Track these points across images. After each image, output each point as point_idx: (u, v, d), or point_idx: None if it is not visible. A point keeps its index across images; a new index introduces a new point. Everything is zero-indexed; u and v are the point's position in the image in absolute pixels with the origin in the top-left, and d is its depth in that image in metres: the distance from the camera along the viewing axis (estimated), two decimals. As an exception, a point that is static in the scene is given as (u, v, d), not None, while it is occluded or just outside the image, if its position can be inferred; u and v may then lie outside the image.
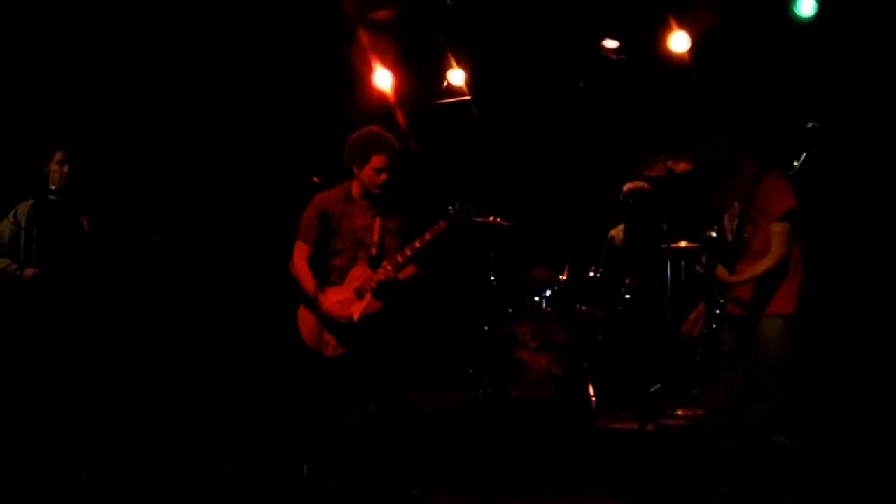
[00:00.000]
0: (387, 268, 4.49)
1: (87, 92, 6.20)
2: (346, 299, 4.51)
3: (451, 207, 4.57)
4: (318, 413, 4.49)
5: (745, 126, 4.16)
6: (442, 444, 5.56)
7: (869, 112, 5.92)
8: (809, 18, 5.77)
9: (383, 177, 4.54)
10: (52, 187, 4.85)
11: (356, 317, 4.47)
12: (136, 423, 5.56)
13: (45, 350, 4.72)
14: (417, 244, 4.50)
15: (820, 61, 5.99)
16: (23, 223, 4.82)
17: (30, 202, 4.87)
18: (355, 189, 4.63)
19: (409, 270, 4.57)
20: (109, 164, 5.75)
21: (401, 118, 6.91)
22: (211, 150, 6.79)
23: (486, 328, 6.66)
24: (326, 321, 4.50)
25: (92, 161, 5.04)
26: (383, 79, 6.94)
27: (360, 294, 4.52)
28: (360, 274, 4.54)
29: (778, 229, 3.91)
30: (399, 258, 4.51)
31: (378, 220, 4.61)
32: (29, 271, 4.74)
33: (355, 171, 4.59)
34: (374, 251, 4.56)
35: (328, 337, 4.51)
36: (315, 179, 4.60)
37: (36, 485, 4.60)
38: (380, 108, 6.84)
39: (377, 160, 4.52)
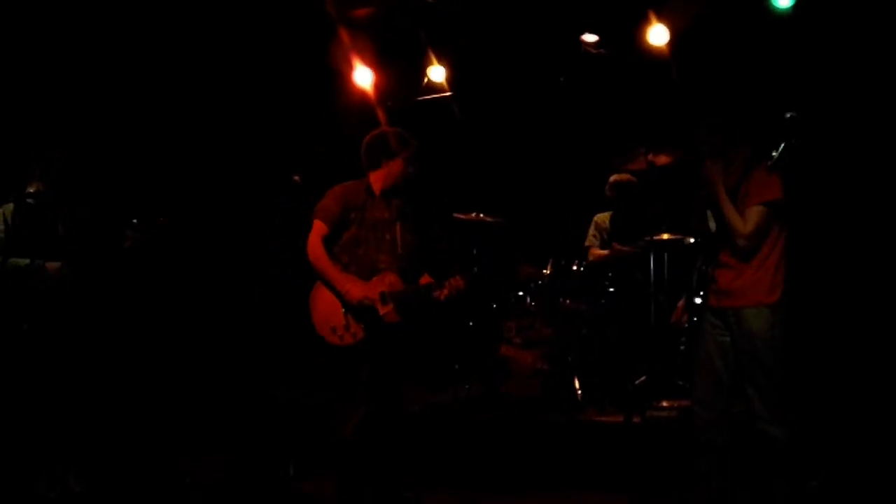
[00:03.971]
0: (419, 288, 4.60)
1: (75, 94, 6.19)
2: (370, 297, 4.53)
3: (483, 270, 4.66)
4: (315, 411, 4.50)
5: (738, 116, 4.17)
6: (430, 442, 5.55)
7: (847, 103, 5.95)
8: (787, 10, 5.80)
9: (411, 170, 4.69)
10: (31, 190, 4.82)
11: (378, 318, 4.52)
12: (122, 425, 5.54)
13: (30, 352, 4.69)
14: (454, 287, 4.64)
15: (798, 53, 6.01)
16: (10, 223, 4.80)
17: (11, 204, 4.84)
18: (376, 186, 4.71)
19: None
20: (95, 167, 5.72)
21: (382, 116, 6.90)
22: (196, 152, 6.76)
23: (470, 324, 6.66)
24: (347, 305, 4.50)
25: (77, 165, 5.01)
26: (364, 76, 6.94)
27: (384, 300, 4.54)
28: (391, 281, 4.59)
29: (754, 210, 3.92)
30: (435, 286, 4.63)
31: (399, 224, 4.69)
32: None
33: (383, 165, 4.69)
34: (402, 263, 4.65)
35: (339, 322, 4.51)
36: (296, 178, 4.60)
37: (24, 490, 4.57)
38: (361, 106, 6.84)
39: (406, 153, 4.68)
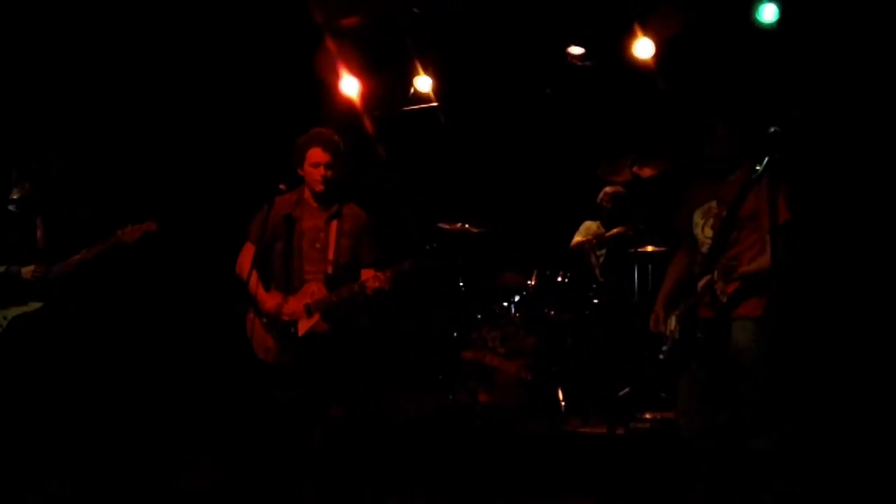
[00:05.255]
0: (342, 293, 4.46)
1: (71, 100, 6.19)
2: (295, 311, 4.49)
3: (424, 252, 4.51)
4: (280, 424, 4.49)
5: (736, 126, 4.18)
6: (413, 451, 5.55)
7: (833, 115, 6.00)
8: (772, 24, 5.84)
9: (320, 171, 4.51)
10: (14, 197, 4.81)
11: (301, 332, 4.46)
12: (113, 428, 5.53)
13: (15, 361, 4.68)
14: (372, 284, 4.41)
15: (784, 66, 6.06)
16: None
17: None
18: (307, 192, 4.63)
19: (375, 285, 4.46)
20: (79, 176, 5.73)
21: (368, 125, 6.92)
22: (186, 159, 6.75)
23: (455, 334, 6.66)
24: (270, 324, 4.48)
25: (63, 182, 5.00)
26: (350, 86, 6.94)
27: (309, 311, 4.49)
28: (314, 290, 4.51)
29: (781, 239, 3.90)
30: (356, 288, 4.45)
31: (334, 224, 4.59)
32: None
33: (300, 173, 4.59)
34: (329, 269, 4.53)
35: (268, 342, 4.49)
36: (282, 186, 4.59)
37: (11, 497, 4.55)
38: (347, 116, 6.84)
39: (312, 154, 4.52)
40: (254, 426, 5.30)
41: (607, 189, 6.64)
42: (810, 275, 5.77)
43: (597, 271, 6.71)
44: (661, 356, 4.23)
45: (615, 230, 6.56)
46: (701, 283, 4.03)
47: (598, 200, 6.70)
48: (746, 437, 3.96)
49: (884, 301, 5.84)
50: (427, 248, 4.43)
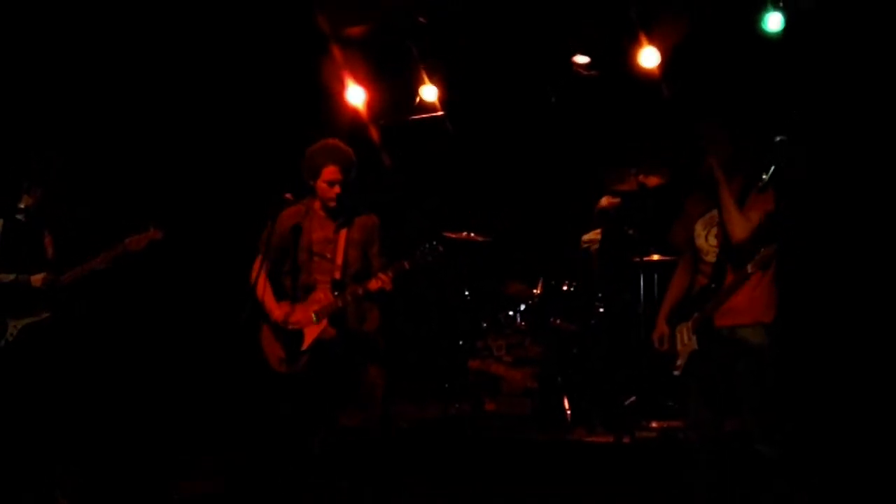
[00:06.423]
0: (346, 297, 4.47)
1: (62, 114, 6.20)
2: (302, 319, 4.50)
3: (420, 249, 4.48)
4: (281, 425, 4.51)
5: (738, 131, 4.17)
6: (418, 460, 5.55)
7: (836, 123, 6.01)
8: (777, 34, 5.85)
9: (336, 189, 4.52)
10: (21, 206, 4.82)
11: (306, 344, 4.47)
12: (111, 442, 5.53)
13: (25, 369, 4.69)
14: (373, 285, 4.42)
15: (789, 75, 6.07)
16: None
17: (0, 220, 4.85)
18: (317, 203, 4.63)
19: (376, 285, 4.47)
20: (83, 185, 5.75)
21: (374, 134, 6.94)
22: (186, 171, 6.76)
23: (461, 343, 6.66)
24: (278, 333, 4.50)
25: (64, 183, 5.01)
26: (356, 95, 6.96)
27: (316, 318, 4.51)
28: (320, 297, 4.52)
29: (757, 214, 3.85)
30: (359, 290, 4.46)
31: (343, 233, 4.60)
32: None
33: (311, 185, 4.59)
34: (337, 275, 4.53)
35: (280, 352, 4.51)
36: (287, 196, 4.59)
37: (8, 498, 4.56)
38: (352, 124, 6.86)
39: (327, 172, 4.51)
40: (254, 427, 5.33)
41: (604, 200, 6.59)
42: (815, 280, 5.79)
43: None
44: (675, 372, 4.20)
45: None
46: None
47: (596, 208, 6.66)
48: (753, 441, 3.94)
49: (886, 305, 5.83)
50: (427, 245, 4.41)
